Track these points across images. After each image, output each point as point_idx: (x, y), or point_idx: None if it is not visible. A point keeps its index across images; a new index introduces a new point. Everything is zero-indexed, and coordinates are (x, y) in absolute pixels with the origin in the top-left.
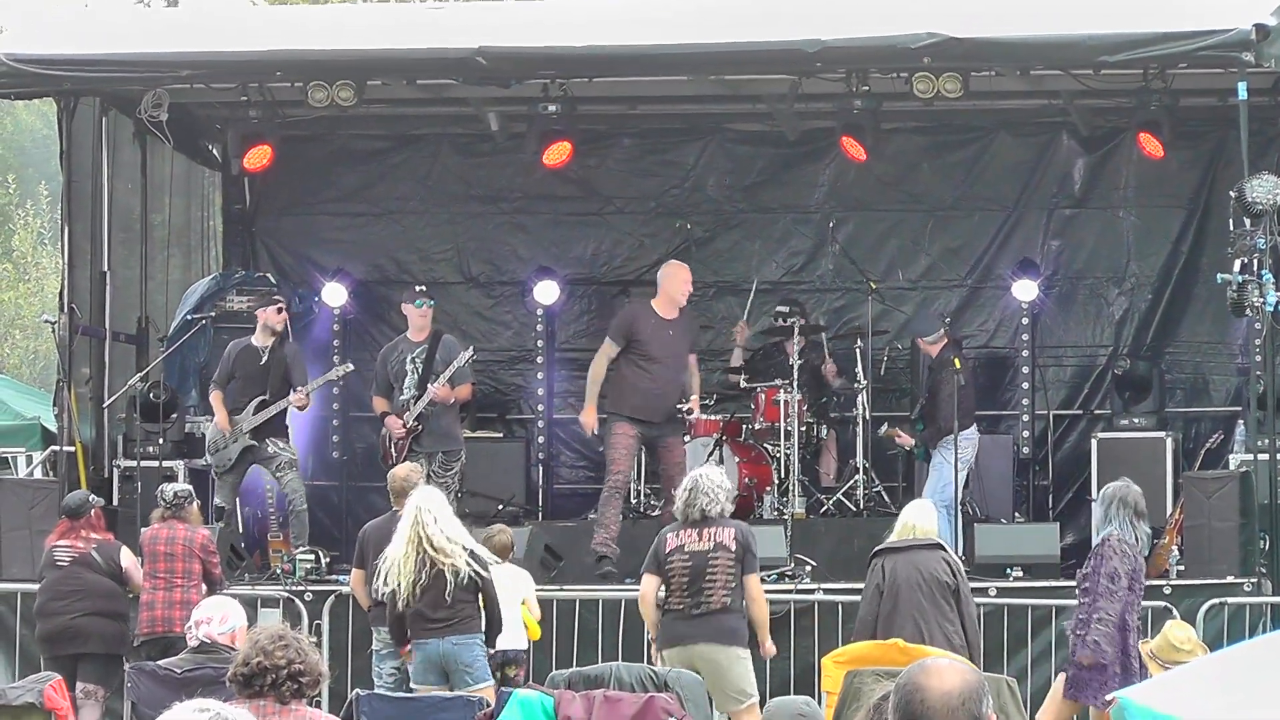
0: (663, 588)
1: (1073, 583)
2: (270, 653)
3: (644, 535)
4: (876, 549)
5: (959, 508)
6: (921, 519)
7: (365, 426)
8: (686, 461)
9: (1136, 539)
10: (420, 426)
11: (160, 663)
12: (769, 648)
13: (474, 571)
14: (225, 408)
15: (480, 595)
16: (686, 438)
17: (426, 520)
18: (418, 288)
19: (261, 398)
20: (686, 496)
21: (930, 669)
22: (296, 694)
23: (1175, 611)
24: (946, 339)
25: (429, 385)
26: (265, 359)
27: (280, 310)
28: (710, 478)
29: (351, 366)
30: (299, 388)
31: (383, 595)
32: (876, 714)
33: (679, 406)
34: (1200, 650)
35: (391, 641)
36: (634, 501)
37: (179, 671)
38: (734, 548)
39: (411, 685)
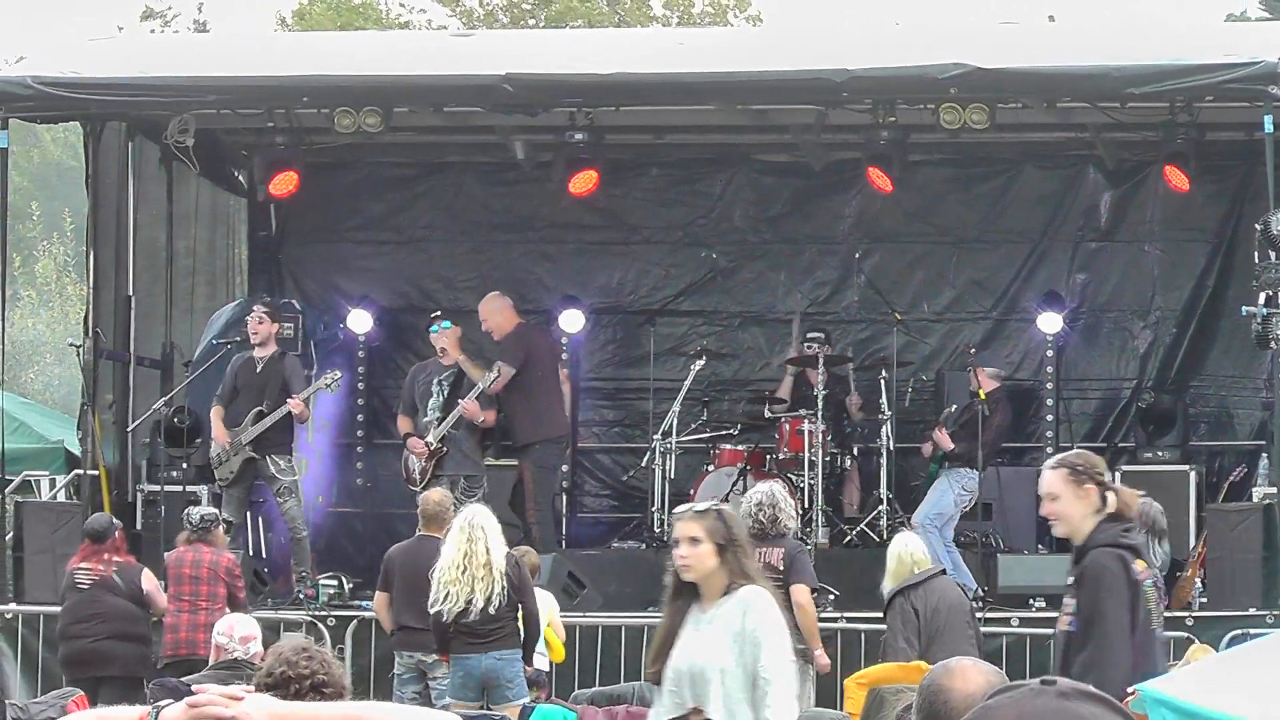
0: None
1: None
2: (294, 663)
3: (666, 563)
4: (894, 590)
5: (983, 538)
6: (915, 551)
7: (389, 453)
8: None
9: (1155, 557)
10: (445, 449)
11: (184, 679)
12: (822, 658)
13: (505, 589)
14: (223, 423)
15: (520, 610)
16: (710, 467)
17: (477, 538)
18: (434, 313)
19: (259, 409)
20: (753, 510)
21: (954, 670)
22: None
23: (1196, 642)
24: (999, 381)
25: (458, 403)
26: (261, 369)
27: (261, 320)
28: (776, 494)
29: (341, 374)
30: (294, 396)
31: (432, 610)
32: None
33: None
34: None
35: (412, 666)
36: (657, 530)
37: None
38: (780, 567)
39: (448, 700)
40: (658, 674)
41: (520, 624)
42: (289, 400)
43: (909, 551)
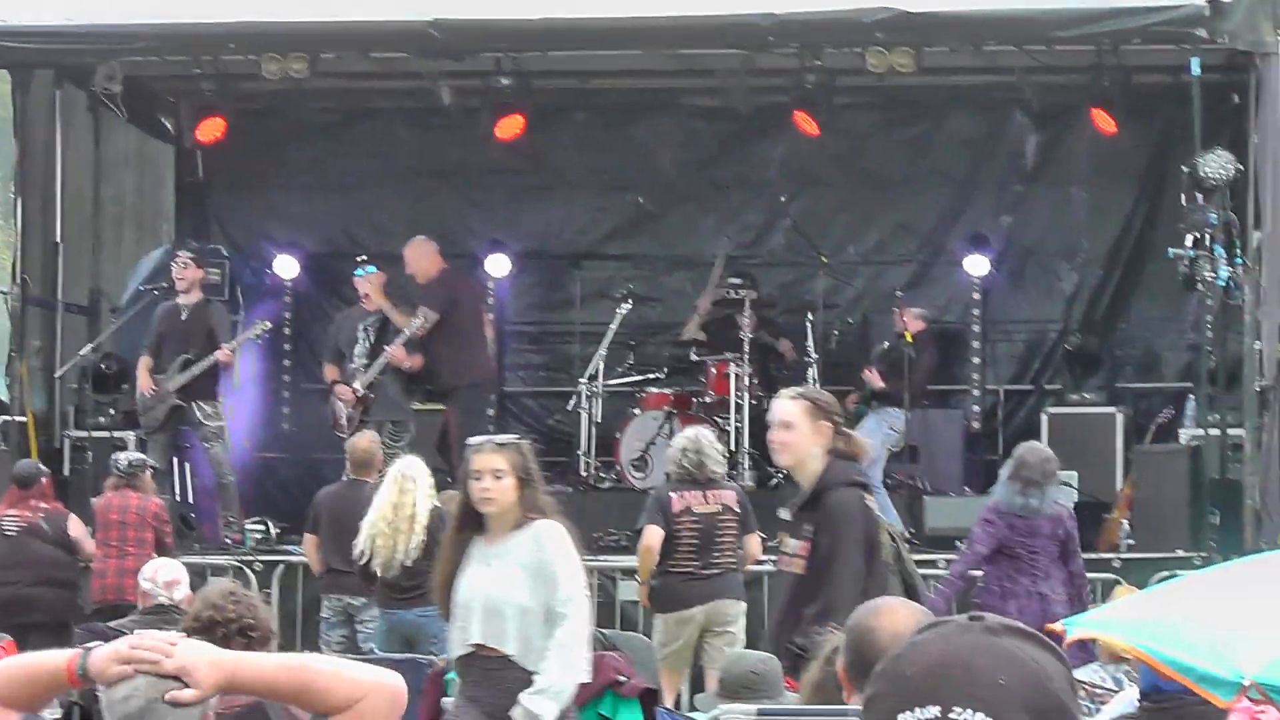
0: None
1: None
2: (221, 608)
3: (592, 507)
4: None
5: (909, 479)
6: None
7: (316, 398)
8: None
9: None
10: (373, 395)
11: (110, 623)
12: None
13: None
14: (148, 370)
15: None
16: (636, 411)
17: (407, 489)
18: (359, 258)
19: (185, 357)
20: (693, 458)
21: (881, 610)
22: (247, 649)
23: (1123, 584)
24: (925, 322)
25: (384, 350)
26: (186, 316)
27: (185, 265)
28: (710, 439)
29: (270, 325)
30: (223, 345)
31: (358, 558)
32: (828, 665)
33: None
34: None
35: (339, 609)
36: (584, 474)
37: (129, 631)
38: (737, 509)
39: (372, 647)
40: (446, 609)
41: None
42: (218, 351)
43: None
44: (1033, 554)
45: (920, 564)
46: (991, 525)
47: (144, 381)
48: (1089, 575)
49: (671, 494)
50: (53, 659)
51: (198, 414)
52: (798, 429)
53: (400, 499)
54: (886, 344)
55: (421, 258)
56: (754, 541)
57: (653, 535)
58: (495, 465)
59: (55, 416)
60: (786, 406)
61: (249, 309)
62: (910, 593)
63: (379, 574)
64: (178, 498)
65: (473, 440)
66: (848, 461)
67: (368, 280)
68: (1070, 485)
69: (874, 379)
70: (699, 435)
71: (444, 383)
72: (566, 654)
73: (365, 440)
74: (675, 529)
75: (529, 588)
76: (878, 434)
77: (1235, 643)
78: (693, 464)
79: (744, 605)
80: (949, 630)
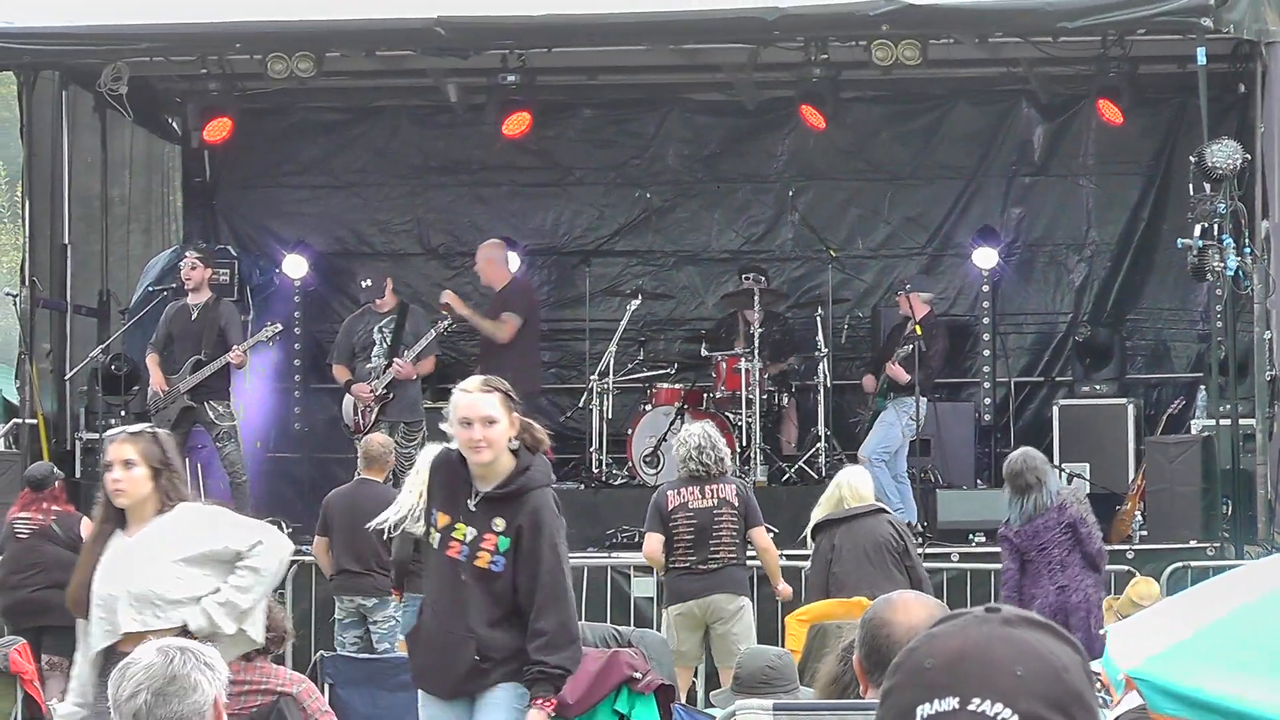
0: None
1: None
2: None
3: (605, 504)
4: (816, 523)
5: (922, 473)
6: (856, 484)
7: (327, 398)
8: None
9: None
10: (391, 395)
11: None
12: (784, 588)
13: None
14: (161, 369)
15: None
16: (647, 407)
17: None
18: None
19: (196, 357)
20: (695, 454)
21: (896, 603)
22: (262, 650)
23: (1138, 575)
24: (930, 306)
25: (397, 356)
26: (196, 316)
27: (194, 266)
28: (712, 435)
29: (280, 327)
30: (235, 346)
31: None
32: (844, 659)
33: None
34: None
35: (353, 610)
36: (595, 470)
37: None
38: (737, 503)
39: (403, 633)
40: (84, 605)
41: None
42: (230, 353)
43: (842, 484)
44: (1043, 553)
45: (932, 558)
46: (1007, 544)
47: (157, 379)
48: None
49: (669, 492)
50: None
51: (210, 414)
52: (500, 424)
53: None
54: (909, 347)
55: (497, 261)
56: (759, 535)
57: (651, 543)
58: (125, 455)
59: (66, 418)
60: (485, 399)
61: (257, 309)
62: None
63: (407, 559)
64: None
65: (109, 431)
66: (538, 455)
67: (447, 295)
68: (1082, 477)
69: (899, 373)
70: (697, 431)
71: None
72: (234, 593)
73: (380, 438)
74: (671, 526)
75: (176, 572)
76: (898, 425)
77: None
78: (692, 460)
79: (745, 600)
80: (966, 622)
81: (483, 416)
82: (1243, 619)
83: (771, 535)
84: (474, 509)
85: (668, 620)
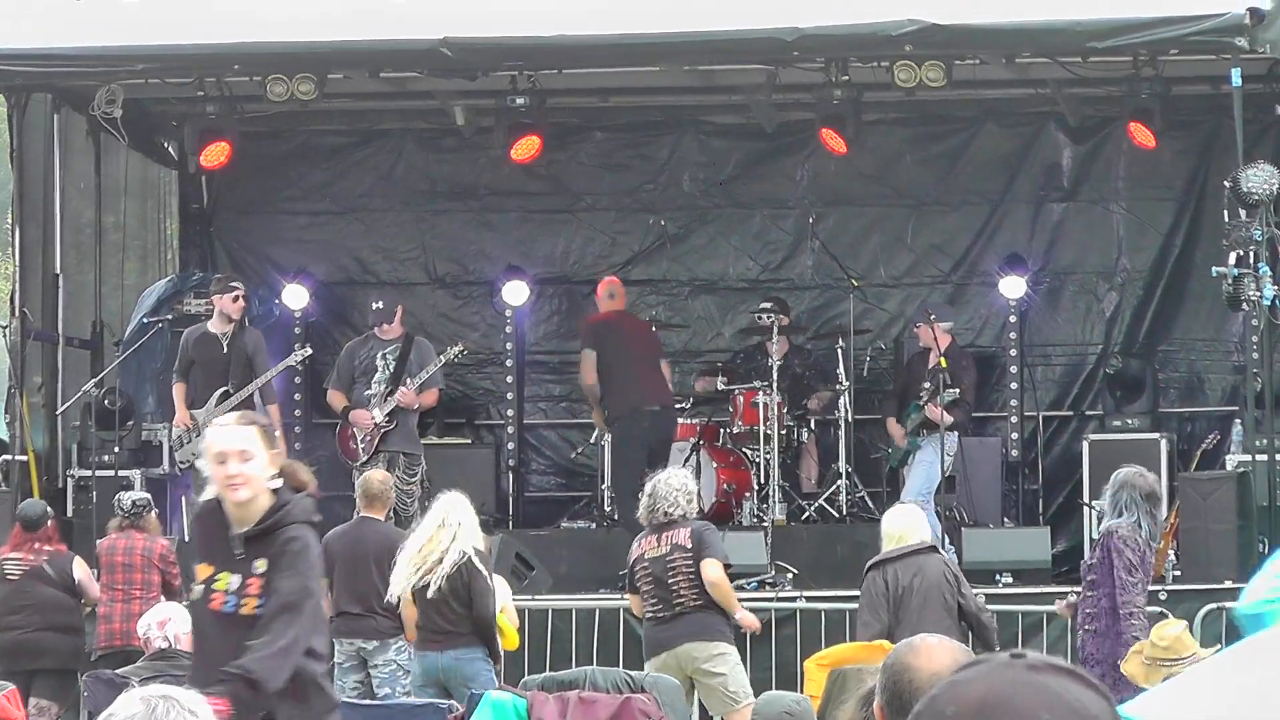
0: None
1: (1062, 588)
2: None
3: (617, 543)
4: (872, 561)
5: (947, 511)
6: (909, 526)
7: (328, 434)
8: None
9: (1145, 529)
10: (394, 424)
11: (118, 671)
12: (745, 617)
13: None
14: (186, 401)
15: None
16: None
17: (447, 526)
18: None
19: (224, 389)
20: (648, 503)
21: (919, 648)
22: None
23: (1171, 617)
24: (952, 336)
25: (401, 385)
26: (226, 348)
27: (237, 299)
28: (668, 481)
29: (310, 350)
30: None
31: (395, 595)
32: (864, 705)
33: None
34: (1182, 647)
35: (352, 654)
36: (608, 509)
37: (136, 679)
38: (690, 545)
39: (387, 691)
40: None
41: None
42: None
43: (899, 528)
44: (1090, 595)
45: None
46: (1138, 551)
47: (182, 413)
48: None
49: (634, 544)
50: None
51: None
52: (257, 460)
53: (437, 534)
54: (956, 391)
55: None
56: (706, 567)
57: (632, 601)
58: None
59: (58, 455)
60: (240, 433)
61: None
62: (978, 630)
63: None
64: (186, 538)
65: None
66: (302, 495)
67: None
68: None
69: (939, 415)
70: (657, 480)
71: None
72: None
73: (379, 475)
74: (635, 577)
75: None
76: (936, 463)
77: None
78: (647, 509)
79: (724, 645)
80: (990, 668)
81: (238, 451)
82: None
83: (790, 575)
84: (238, 554)
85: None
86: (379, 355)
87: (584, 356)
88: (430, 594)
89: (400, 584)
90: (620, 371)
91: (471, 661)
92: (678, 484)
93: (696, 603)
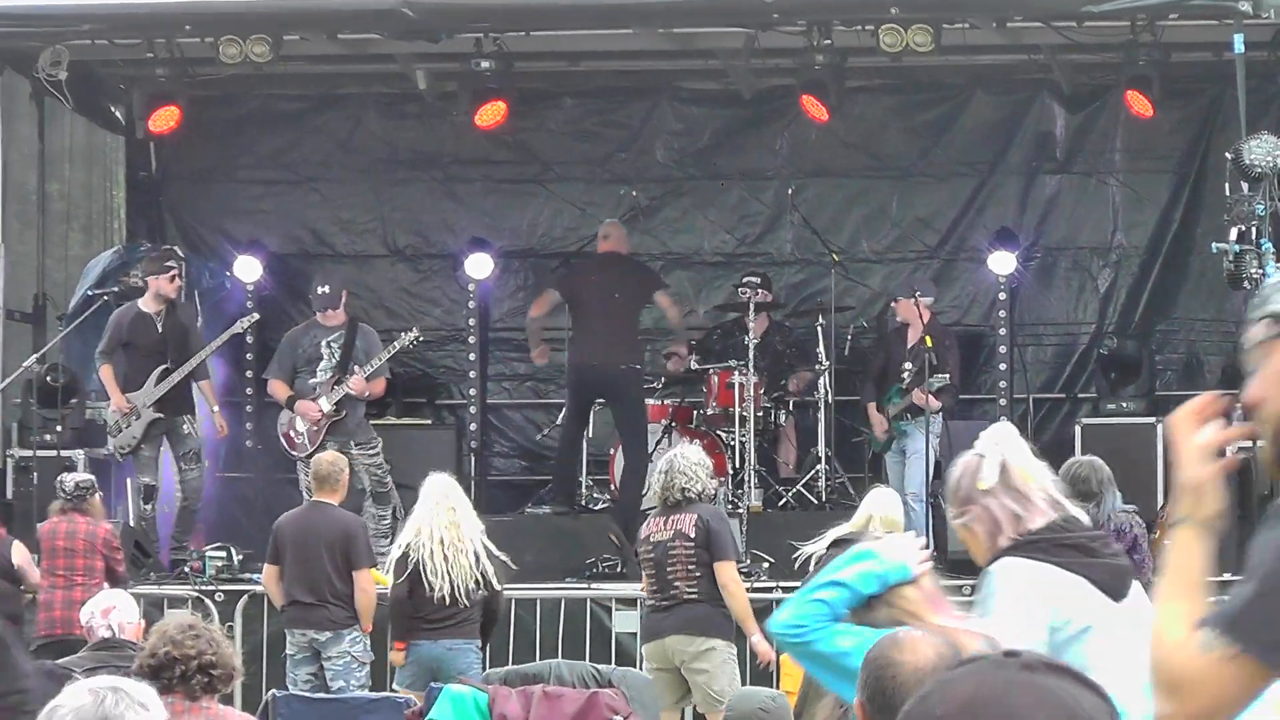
0: None
1: None
2: (180, 643)
3: (586, 530)
4: (834, 539)
5: (932, 498)
6: (885, 510)
7: (281, 413)
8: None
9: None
10: (344, 413)
11: (59, 661)
12: (758, 643)
13: (482, 573)
14: (118, 383)
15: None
16: None
17: (446, 509)
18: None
19: (164, 367)
20: (662, 480)
21: (902, 642)
22: (207, 689)
23: None
24: (933, 311)
25: (349, 373)
26: (162, 327)
27: (174, 279)
28: (686, 456)
29: (257, 316)
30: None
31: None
32: (842, 702)
33: None
34: None
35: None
36: (576, 495)
37: (79, 670)
38: (693, 534)
39: (393, 687)
40: None
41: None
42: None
43: (875, 510)
44: None
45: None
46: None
47: (116, 398)
48: None
49: (644, 524)
50: None
51: (184, 426)
52: None
53: (452, 517)
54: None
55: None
56: (721, 570)
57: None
58: None
59: None
60: None
61: (206, 315)
62: None
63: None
64: (131, 521)
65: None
66: None
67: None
68: None
69: (932, 402)
70: (667, 456)
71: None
72: None
73: (330, 455)
74: (640, 561)
75: None
76: (931, 450)
77: None
78: (661, 487)
79: (714, 641)
80: (982, 667)
81: None
82: None
83: (766, 565)
84: None
85: (645, 655)
86: (323, 343)
87: (543, 292)
88: (451, 583)
89: (441, 578)
90: (579, 323)
91: (466, 653)
92: (696, 458)
93: (692, 595)
